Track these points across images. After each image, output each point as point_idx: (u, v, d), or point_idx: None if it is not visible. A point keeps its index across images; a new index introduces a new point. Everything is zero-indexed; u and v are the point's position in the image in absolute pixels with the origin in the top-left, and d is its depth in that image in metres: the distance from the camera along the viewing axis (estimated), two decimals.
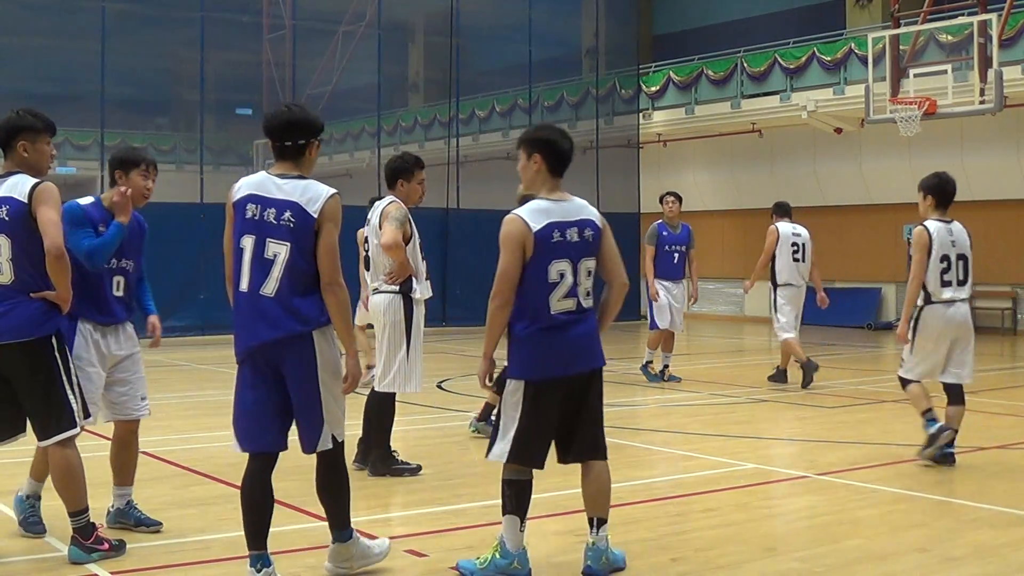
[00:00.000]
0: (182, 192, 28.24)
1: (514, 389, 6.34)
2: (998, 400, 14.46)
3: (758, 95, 29.31)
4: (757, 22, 33.38)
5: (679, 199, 16.77)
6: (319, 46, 34.85)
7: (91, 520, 6.76)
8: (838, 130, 28.23)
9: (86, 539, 6.68)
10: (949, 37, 23.65)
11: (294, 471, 9.80)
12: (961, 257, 9.97)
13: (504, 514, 6.34)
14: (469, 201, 26.99)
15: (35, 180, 6.62)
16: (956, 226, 10.06)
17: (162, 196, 27.63)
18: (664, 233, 16.46)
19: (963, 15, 23.66)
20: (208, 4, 27.02)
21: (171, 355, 19.87)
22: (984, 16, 22.38)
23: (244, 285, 6.23)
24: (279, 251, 6.15)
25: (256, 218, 6.28)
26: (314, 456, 6.37)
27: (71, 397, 6.69)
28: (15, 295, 6.52)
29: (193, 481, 9.41)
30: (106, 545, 6.73)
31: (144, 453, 9.55)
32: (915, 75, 23.20)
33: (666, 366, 16.66)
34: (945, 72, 22.90)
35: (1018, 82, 23.34)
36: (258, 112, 38.99)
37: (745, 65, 29.55)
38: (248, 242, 6.27)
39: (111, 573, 6.48)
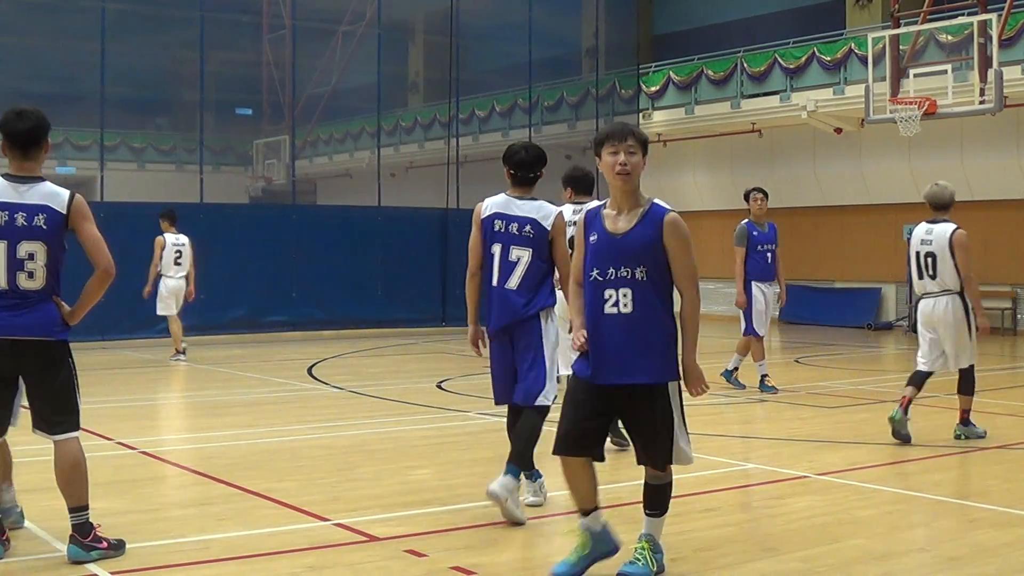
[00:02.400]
0: (182, 192, 28.26)
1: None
2: (998, 400, 14.44)
3: (758, 95, 29.30)
4: (757, 22, 33.37)
5: (767, 195, 15.84)
6: (319, 46, 34.88)
7: (89, 519, 6.75)
8: (838, 130, 28.23)
9: (84, 537, 6.68)
10: (949, 37, 23.65)
11: (294, 471, 9.83)
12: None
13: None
14: (469, 201, 26.88)
15: (67, 191, 6.84)
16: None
17: (161, 196, 27.82)
18: (755, 232, 15.48)
19: (963, 15, 23.66)
20: (208, 4, 27.02)
21: (170, 355, 19.82)
22: (984, 16, 22.38)
23: (495, 281, 8.05)
24: (521, 255, 8.01)
25: (502, 231, 8.06)
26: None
27: (79, 400, 6.90)
28: (44, 299, 6.79)
29: (192, 481, 9.40)
30: (104, 544, 6.73)
31: (144, 453, 9.58)
32: (915, 75, 23.20)
33: (764, 375, 15.45)
34: (945, 72, 22.91)
35: (1018, 82, 23.34)
36: (258, 112, 39.06)
37: (745, 65, 29.54)
38: (496, 249, 8.05)
39: (110, 573, 6.46)
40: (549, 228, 8.05)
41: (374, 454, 10.68)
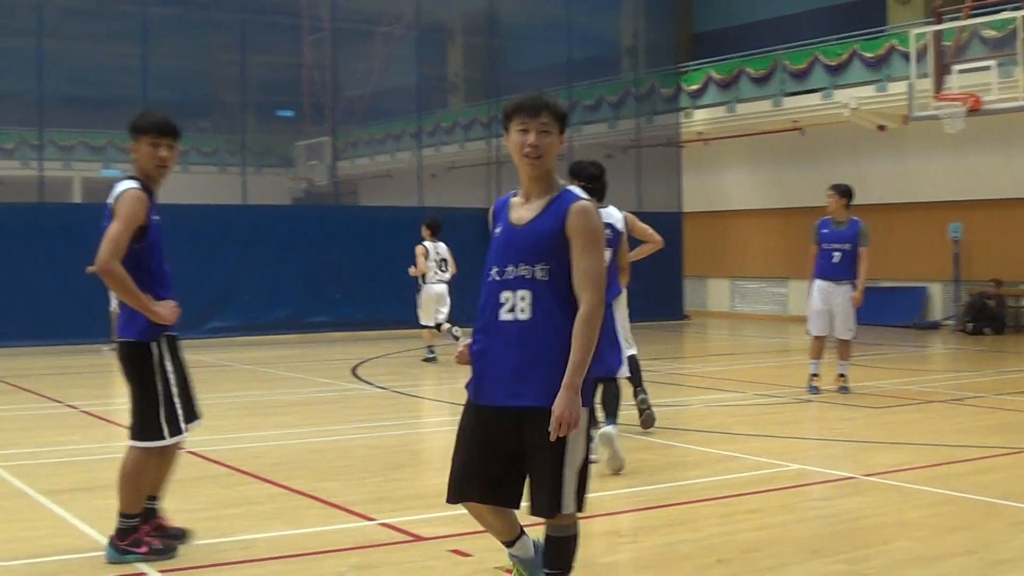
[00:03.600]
0: (224, 194, 28.42)
1: None
2: None
3: (799, 93, 29.15)
4: (798, 19, 33.19)
5: (841, 193, 15.20)
6: (358, 48, 34.96)
7: (137, 525, 6.76)
8: (881, 127, 28.06)
9: (122, 540, 6.71)
10: (993, 32, 23.45)
11: (339, 471, 9.85)
12: None
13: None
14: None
15: (127, 185, 6.78)
16: None
17: (204, 198, 28.09)
18: (824, 230, 15.11)
19: (1006, 10, 23.46)
20: (248, 7, 27.14)
21: (215, 355, 19.94)
22: None
23: None
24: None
25: None
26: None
27: (159, 409, 6.75)
28: None
29: (238, 481, 9.42)
30: (144, 548, 6.71)
31: (190, 452, 9.62)
32: (959, 71, 23.02)
33: (841, 375, 15.21)
34: (989, 68, 22.71)
35: None
36: (299, 114, 39.21)
37: (786, 63, 29.41)
38: None
39: (159, 572, 6.50)
40: (622, 230, 10.08)
41: (419, 454, 10.71)
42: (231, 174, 31.35)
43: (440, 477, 9.54)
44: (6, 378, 17.33)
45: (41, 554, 6.97)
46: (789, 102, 29.28)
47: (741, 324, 30.39)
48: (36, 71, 23.43)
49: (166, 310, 6.70)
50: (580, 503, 5.19)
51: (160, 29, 27.58)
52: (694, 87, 31.70)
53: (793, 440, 11.73)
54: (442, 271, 19.99)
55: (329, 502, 8.36)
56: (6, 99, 28.72)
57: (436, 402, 14.16)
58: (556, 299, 5.06)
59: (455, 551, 6.93)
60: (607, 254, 9.18)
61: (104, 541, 6.94)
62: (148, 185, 6.83)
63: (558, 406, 4.90)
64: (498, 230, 5.28)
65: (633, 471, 9.67)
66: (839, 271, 14.97)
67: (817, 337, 15.15)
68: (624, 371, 10.22)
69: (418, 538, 7.27)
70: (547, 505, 5.10)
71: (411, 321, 25.27)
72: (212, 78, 36.92)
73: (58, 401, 14.91)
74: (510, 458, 5.17)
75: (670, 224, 29.34)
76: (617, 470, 9.42)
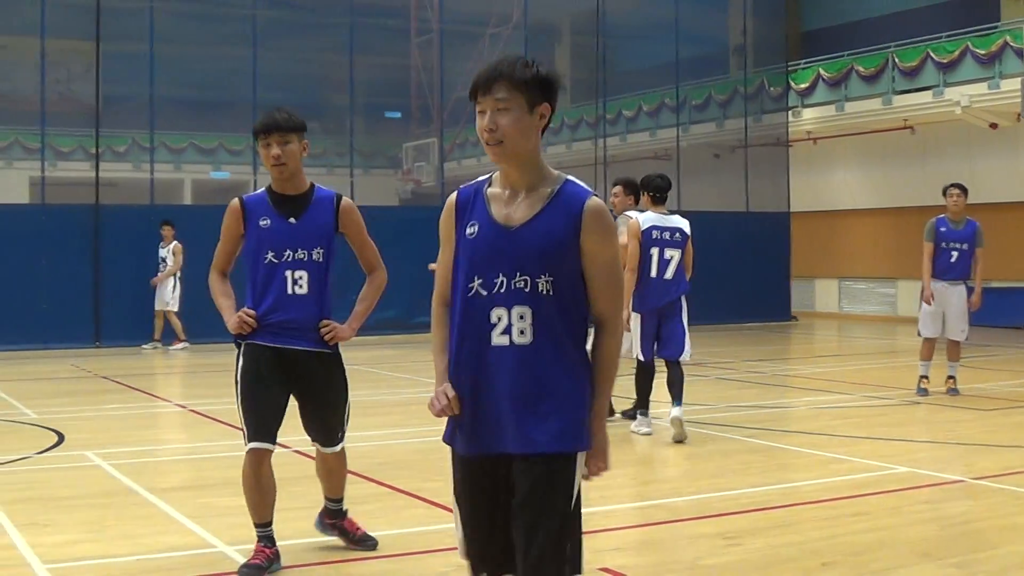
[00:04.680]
0: None
1: None
2: None
3: (910, 91, 28.80)
4: (908, 16, 32.76)
5: (964, 191, 15.02)
6: (466, 49, 35.05)
7: (268, 535, 6.71)
8: (993, 125, 27.62)
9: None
10: None
11: (443, 471, 9.89)
12: None
13: None
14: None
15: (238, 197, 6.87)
16: None
17: None
18: (942, 229, 14.82)
19: None
20: (357, 9, 27.37)
21: None
22: None
23: (654, 273, 11.38)
24: (673, 255, 11.41)
25: (659, 238, 11.43)
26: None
27: (240, 416, 6.72)
28: None
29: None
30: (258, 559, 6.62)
31: (296, 452, 9.73)
32: None
33: (950, 376, 14.95)
34: None
35: None
36: (407, 115, 39.45)
37: (896, 60, 29.05)
38: (655, 251, 11.41)
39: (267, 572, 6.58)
40: (689, 233, 11.52)
41: None
42: (339, 175, 31.55)
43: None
44: (118, 377, 17.64)
45: (149, 551, 7.10)
46: (899, 100, 28.94)
47: (849, 325, 30.07)
48: (148, 75, 23.83)
49: (231, 319, 6.61)
50: (579, 566, 4.20)
51: (269, 32, 27.93)
52: (803, 85, 31.44)
53: (901, 443, 11.58)
54: None
55: (433, 502, 8.41)
56: (119, 103, 29.20)
57: None
58: (561, 318, 4.07)
59: None
60: (676, 255, 11.48)
61: (210, 538, 7.06)
62: (273, 187, 6.78)
63: (599, 456, 4.16)
64: (473, 229, 4.16)
65: (738, 472, 9.63)
66: (955, 271, 14.77)
67: (928, 339, 14.94)
68: (688, 355, 11.58)
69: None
70: (550, 569, 4.04)
71: None
72: (320, 80, 37.24)
73: (167, 400, 15.17)
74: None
75: (777, 224, 29.17)
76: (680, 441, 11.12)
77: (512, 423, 4.05)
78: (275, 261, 6.63)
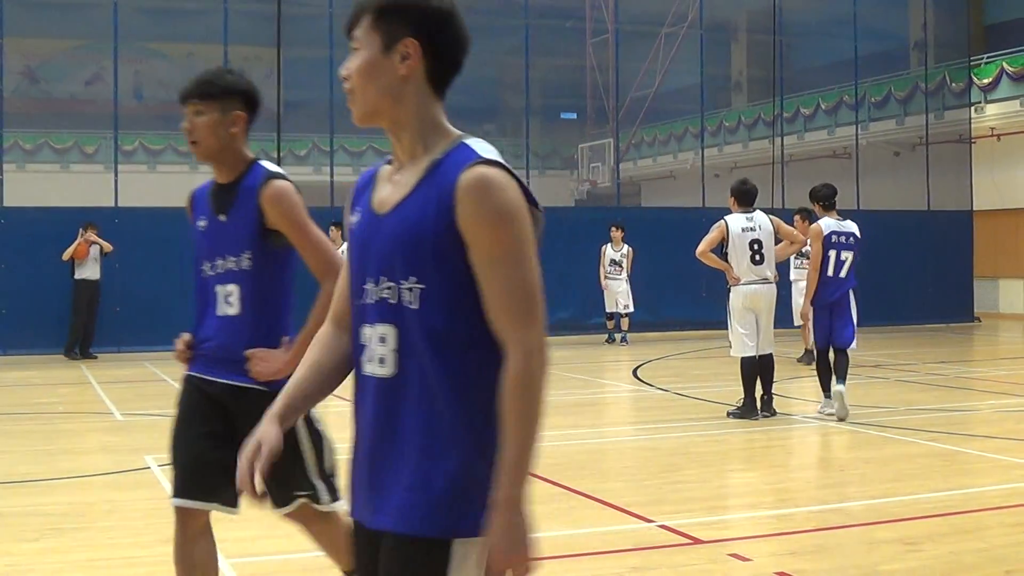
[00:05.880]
0: None
1: None
2: None
3: None
4: None
5: None
6: (641, 49, 35.08)
7: None
8: None
9: None
10: None
11: (619, 472, 9.94)
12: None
13: None
14: (795, 201, 26.67)
15: None
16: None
17: None
18: None
19: None
20: (533, 11, 27.54)
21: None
22: None
23: (831, 273, 12.44)
24: (848, 256, 12.49)
25: (838, 242, 12.46)
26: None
27: None
28: None
29: None
30: None
31: None
32: None
33: None
34: None
35: None
36: (582, 116, 39.58)
37: None
38: (832, 253, 12.42)
39: None
40: (859, 236, 12.55)
41: (699, 456, 10.68)
42: None
43: (719, 480, 9.56)
44: None
45: (257, 553, 7.20)
46: None
47: None
48: (328, 80, 24.28)
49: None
50: None
51: None
52: (986, 80, 30.68)
53: None
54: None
55: (609, 503, 8.44)
56: (300, 108, 29.86)
57: (717, 404, 14.06)
58: (431, 341, 2.84)
59: (734, 555, 6.92)
60: (850, 256, 12.32)
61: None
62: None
63: (495, 543, 2.77)
64: (354, 219, 3.08)
65: (918, 477, 9.47)
66: None
67: None
68: (855, 345, 12.62)
69: (697, 541, 7.28)
70: None
71: (695, 322, 25.29)
72: (497, 83, 37.57)
73: (342, 400, 15.44)
74: None
75: (959, 223, 28.53)
76: (842, 419, 11.99)
77: (366, 484, 2.96)
78: (207, 273, 4.98)
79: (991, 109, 30.45)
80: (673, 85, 36.23)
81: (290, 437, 4.11)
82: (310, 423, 4.87)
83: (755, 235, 12.52)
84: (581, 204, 37.41)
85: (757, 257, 12.48)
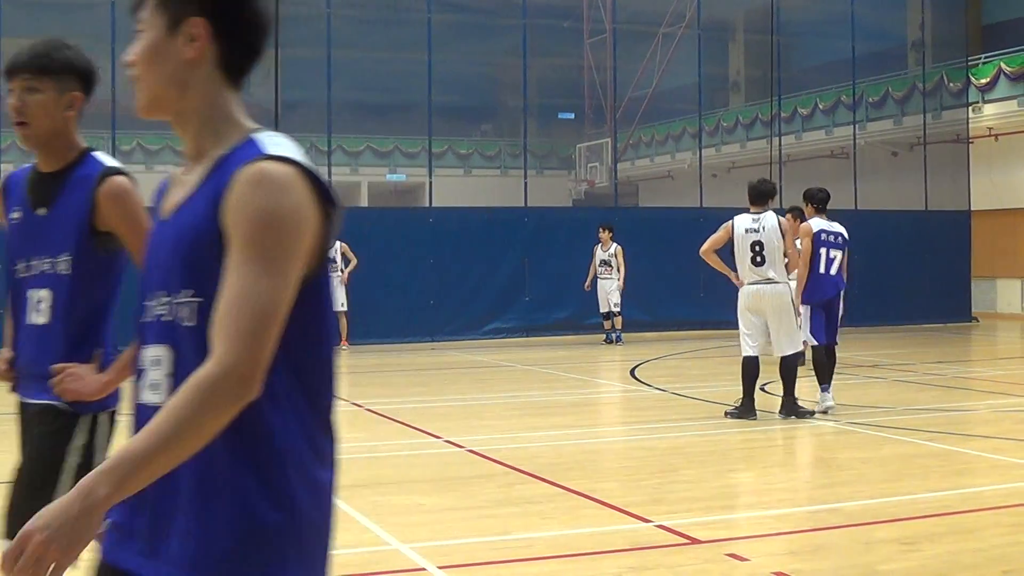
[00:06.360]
0: (507, 197, 28.95)
1: None
2: None
3: None
4: None
5: None
6: (639, 49, 35.06)
7: None
8: None
9: None
10: None
11: (616, 472, 9.92)
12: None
13: None
14: (792, 201, 26.68)
15: None
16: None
17: (487, 200, 28.69)
18: None
19: None
20: (530, 11, 27.51)
21: (495, 356, 20.30)
22: None
23: (822, 270, 12.93)
24: (836, 255, 13.02)
25: (827, 240, 12.93)
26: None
27: None
28: None
29: (517, 480, 9.57)
30: None
31: (471, 452, 9.83)
32: None
33: None
34: None
35: None
36: (580, 116, 39.58)
37: None
38: (823, 251, 12.95)
39: (438, 568, 6.66)
40: (847, 238, 13.17)
41: (696, 456, 10.67)
42: (513, 177, 31.85)
43: (717, 480, 9.54)
44: None
45: None
46: None
47: None
48: (326, 80, 24.27)
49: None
50: None
51: (444, 36, 28.25)
52: (984, 80, 30.67)
53: None
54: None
55: (606, 503, 8.42)
56: (297, 107, 29.82)
57: (714, 404, 14.05)
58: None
59: (732, 555, 6.90)
60: (838, 255, 12.79)
61: (385, 536, 7.17)
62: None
63: (40, 518, 2.22)
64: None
65: (916, 477, 9.46)
66: None
67: None
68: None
69: (694, 541, 7.26)
70: None
71: (692, 322, 25.26)
72: (494, 82, 37.60)
73: (343, 399, 15.44)
74: None
75: (957, 223, 28.52)
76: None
77: (136, 528, 2.50)
78: (20, 274, 4.31)
79: (989, 109, 30.45)
80: (671, 85, 36.21)
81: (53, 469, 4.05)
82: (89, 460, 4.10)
83: (757, 236, 12.48)
84: (579, 204, 37.38)
85: (758, 259, 12.45)
